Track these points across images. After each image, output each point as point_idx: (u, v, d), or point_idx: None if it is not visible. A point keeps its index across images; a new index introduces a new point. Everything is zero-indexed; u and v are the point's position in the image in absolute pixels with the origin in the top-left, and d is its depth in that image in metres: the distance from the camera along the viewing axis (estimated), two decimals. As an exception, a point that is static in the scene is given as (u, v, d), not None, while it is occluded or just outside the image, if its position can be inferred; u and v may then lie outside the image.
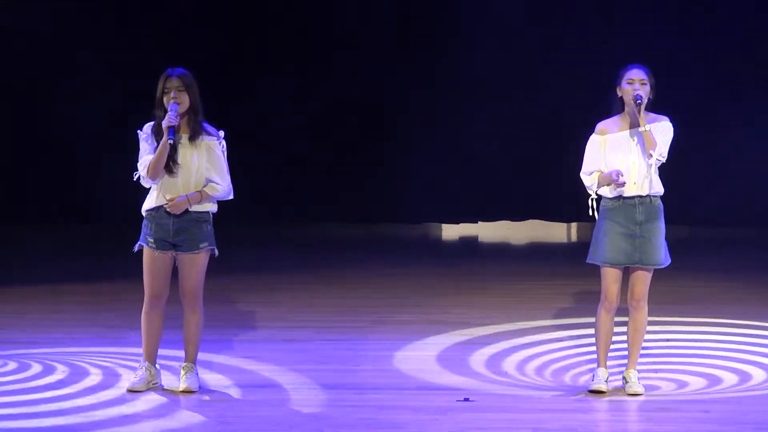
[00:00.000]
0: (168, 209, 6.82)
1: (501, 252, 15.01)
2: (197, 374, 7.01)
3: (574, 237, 15.99)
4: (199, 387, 6.94)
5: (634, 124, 6.86)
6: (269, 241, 15.14)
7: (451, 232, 16.32)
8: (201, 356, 7.19)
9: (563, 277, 11.27)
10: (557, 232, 16.01)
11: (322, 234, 15.73)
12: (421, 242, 15.73)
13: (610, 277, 6.89)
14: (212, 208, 6.95)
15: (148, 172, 6.78)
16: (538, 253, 14.77)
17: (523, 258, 14.37)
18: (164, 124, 6.73)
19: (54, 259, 13.27)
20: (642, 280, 6.91)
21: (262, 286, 11.41)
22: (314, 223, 16.00)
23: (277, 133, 15.58)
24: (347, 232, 15.78)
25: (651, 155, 6.76)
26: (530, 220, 16.04)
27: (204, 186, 6.87)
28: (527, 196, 15.59)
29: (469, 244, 15.77)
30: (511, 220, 16.12)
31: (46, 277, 11.67)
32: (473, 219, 16.15)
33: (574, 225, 16.09)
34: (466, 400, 6.71)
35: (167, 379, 7.08)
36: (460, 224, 16.24)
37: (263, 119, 15.55)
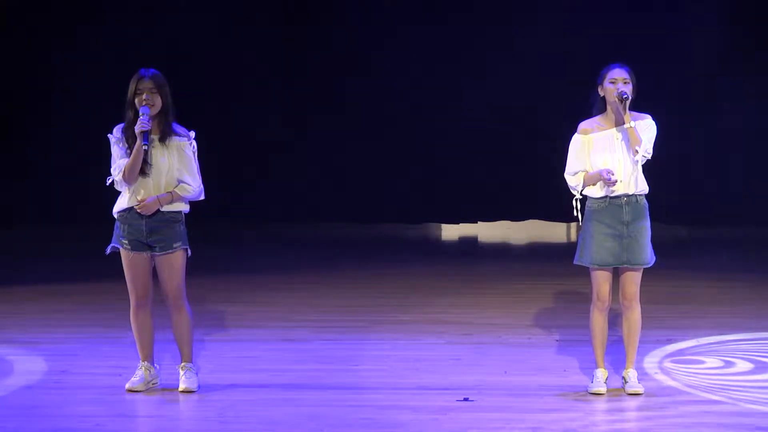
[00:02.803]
0: (138, 210, 6.81)
1: (501, 252, 15.01)
2: (196, 374, 7.00)
3: (573, 237, 15.98)
4: (199, 387, 6.94)
5: (617, 123, 6.82)
6: (269, 241, 15.14)
7: (451, 232, 16.32)
8: (200, 356, 7.19)
9: (563, 277, 11.27)
10: (557, 232, 16.01)
11: (322, 234, 15.73)
12: (421, 242, 15.73)
13: (601, 278, 6.88)
14: (184, 208, 6.94)
15: (124, 176, 6.76)
16: (538, 253, 14.77)
17: (523, 258, 14.38)
18: (137, 129, 6.70)
19: (54, 259, 13.28)
20: (632, 280, 6.89)
21: (262, 285, 11.41)
22: (314, 223, 16.00)
23: (277, 132, 15.59)
24: (347, 231, 15.78)
25: (637, 152, 6.73)
26: (530, 220, 16.05)
27: (175, 186, 6.86)
28: (527, 196, 15.59)
29: (469, 244, 15.77)
30: (511, 220, 16.13)
31: (46, 277, 11.67)
32: (473, 219, 16.15)
33: (573, 225, 16.09)
34: (466, 400, 6.70)
35: (166, 379, 7.07)
36: (460, 224, 16.25)
37: (263, 119, 15.56)
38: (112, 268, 10.15)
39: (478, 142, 15.58)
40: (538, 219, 15.94)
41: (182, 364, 6.99)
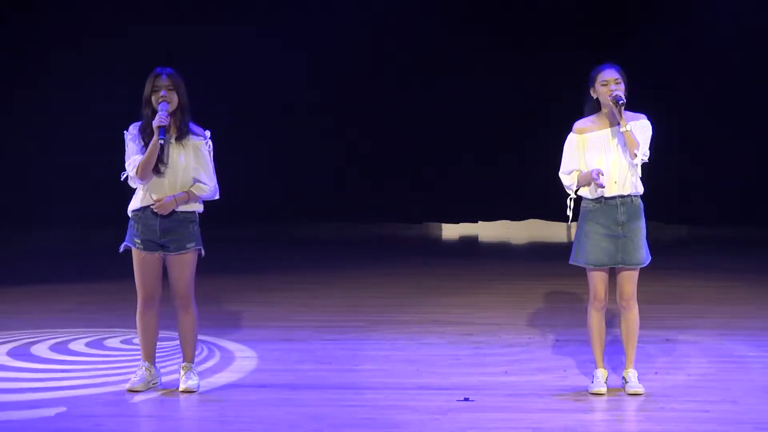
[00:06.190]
0: (155, 209, 6.80)
1: (501, 252, 15.01)
2: (197, 374, 7.00)
3: (573, 237, 16.00)
4: (199, 387, 6.94)
5: (612, 123, 6.82)
6: (269, 241, 15.15)
7: (451, 232, 16.33)
8: (201, 356, 7.19)
9: (563, 277, 11.28)
10: (557, 232, 16.03)
11: (322, 234, 15.74)
12: (421, 242, 15.73)
13: (597, 278, 6.89)
14: (198, 208, 6.93)
15: (137, 172, 6.75)
16: (538, 253, 14.77)
17: (523, 258, 14.38)
18: (155, 123, 6.70)
19: (54, 259, 13.28)
20: (629, 280, 6.90)
21: (262, 285, 11.42)
22: (314, 223, 16.01)
23: (277, 133, 15.60)
24: (347, 231, 15.78)
25: (635, 155, 6.72)
26: (530, 220, 16.07)
27: (191, 186, 6.86)
28: (527, 196, 15.61)
29: (469, 244, 15.78)
30: (511, 220, 16.14)
31: (46, 277, 11.67)
32: (473, 219, 16.17)
33: (573, 225, 16.10)
34: (466, 400, 6.70)
35: (167, 379, 7.08)
36: (460, 224, 16.27)
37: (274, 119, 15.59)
38: (113, 268, 10.18)
39: (477, 141, 15.59)
40: (538, 219, 15.96)
41: (184, 364, 6.99)
